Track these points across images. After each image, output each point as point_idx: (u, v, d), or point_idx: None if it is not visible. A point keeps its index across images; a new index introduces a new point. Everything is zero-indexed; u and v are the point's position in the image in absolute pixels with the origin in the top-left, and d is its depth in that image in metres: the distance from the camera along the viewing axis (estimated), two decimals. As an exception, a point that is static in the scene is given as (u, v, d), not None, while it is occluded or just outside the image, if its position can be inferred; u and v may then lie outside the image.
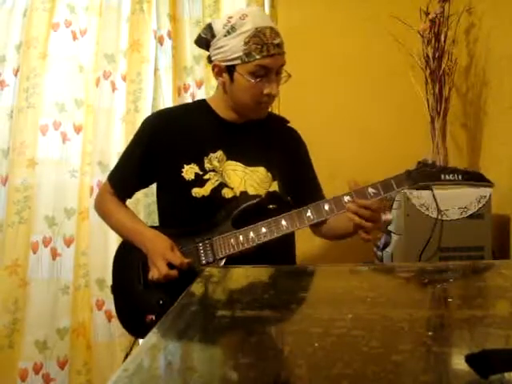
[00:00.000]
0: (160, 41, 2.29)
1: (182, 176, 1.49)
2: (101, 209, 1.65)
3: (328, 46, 2.29)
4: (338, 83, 2.28)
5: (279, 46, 1.44)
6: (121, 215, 1.57)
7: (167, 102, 2.27)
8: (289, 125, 1.66)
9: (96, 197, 1.72)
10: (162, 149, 1.53)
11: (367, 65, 2.24)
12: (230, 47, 1.43)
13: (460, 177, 1.36)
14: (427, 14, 1.99)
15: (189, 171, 1.49)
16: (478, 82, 2.06)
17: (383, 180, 1.38)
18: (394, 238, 1.79)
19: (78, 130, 2.28)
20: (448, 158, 1.99)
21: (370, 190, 1.37)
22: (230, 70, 1.46)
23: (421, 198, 1.73)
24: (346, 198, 1.37)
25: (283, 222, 1.40)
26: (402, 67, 2.02)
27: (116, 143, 2.24)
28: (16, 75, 2.23)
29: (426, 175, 1.37)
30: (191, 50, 2.31)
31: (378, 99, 2.25)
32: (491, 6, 1.97)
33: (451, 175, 1.36)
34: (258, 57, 1.41)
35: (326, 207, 1.39)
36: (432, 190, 1.71)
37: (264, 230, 1.40)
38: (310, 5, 2.30)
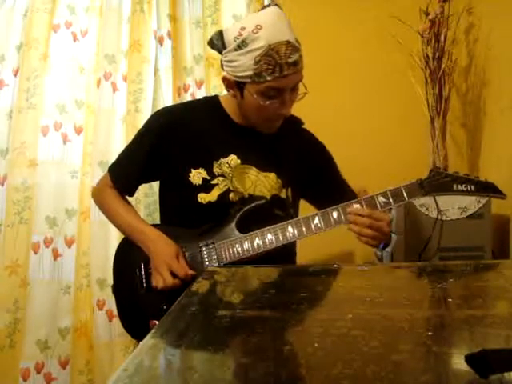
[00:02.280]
0: (160, 41, 2.30)
1: (189, 180, 1.45)
2: (100, 202, 1.60)
3: (328, 46, 2.29)
4: (338, 83, 2.28)
5: (295, 63, 1.33)
6: (122, 211, 1.53)
7: (167, 102, 2.27)
8: (303, 127, 1.61)
9: (95, 188, 1.67)
10: (168, 150, 1.48)
11: (367, 65, 2.24)
12: (240, 64, 1.33)
13: (473, 187, 1.34)
14: (427, 14, 1.99)
15: (196, 176, 1.45)
16: (478, 82, 2.06)
17: (393, 188, 1.35)
18: (394, 238, 1.79)
19: (78, 130, 2.28)
20: (448, 158, 1.99)
21: (381, 198, 1.34)
22: (240, 85, 1.38)
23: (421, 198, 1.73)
24: (356, 207, 1.34)
25: (290, 229, 1.37)
26: (401, 67, 2.02)
27: (116, 144, 2.24)
28: (16, 75, 2.23)
29: (439, 185, 1.35)
30: (191, 50, 2.32)
31: (377, 99, 2.25)
32: (491, 6, 1.97)
33: (464, 185, 1.34)
34: (268, 78, 1.31)
35: (335, 215, 1.36)
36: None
37: (270, 236, 1.38)
38: (310, 5, 2.30)
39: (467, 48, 2.13)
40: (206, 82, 2.28)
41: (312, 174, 1.57)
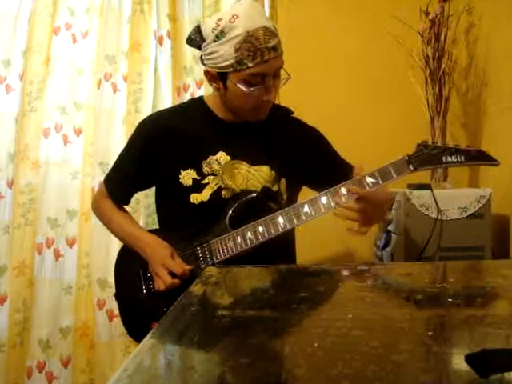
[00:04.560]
0: (160, 41, 2.30)
1: (180, 182, 1.46)
2: (99, 211, 1.64)
3: (328, 46, 2.29)
4: (338, 83, 2.28)
5: (275, 48, 1.33)
6: (119, 220, 1.56)
7: (167, 102, 2.27)
8: (293, 116, 1.58)
9: (93, 199, 1.72)
10: (157, 155, 1.49)
11: (367, 65, 2.24)
12: (221, 54, 1.33)
13: (463, 158, 1.28)
14: (427, 14, 1.99)
15: (186, 177, 1.45)
16: (478, 82, 2.06)
17: (381, 168, 1.32)
18: (394, 238, 1.79)
19: (79, 131, 2.29)
20: (448, 158, 1.99)
21: (368, 179, 1.31)
22: (223, 77, 1.37)
23: (421, 197, 1.73)
24: (344, 189, 1.32)
25: (280, 220, 1.36)
26: (402, 67, 2.02)
27: (117, 144, 2.24)
28: (21, 80, 2.25)
29: (427, 159, 1.30)
30: (191, 50, 2.31)
31: (377, 99, 2.25)
32: (491, 6, 1.97)
33: (453, 156, 1.29)
34: (250, 64, 1.31)
35: (324, 201, 1.34)
36: (432, 190, 1.71)
37: (261, 228, 1.37)
38: (310, 5, 2.30)
39: (467, 48, 2.13)
40: (206, 81, 2.28)
41: (309, 159, 1.54)
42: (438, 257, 1.70)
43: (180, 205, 1.48)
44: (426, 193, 1.72)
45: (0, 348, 2.20)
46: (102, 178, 2.16)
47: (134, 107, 2.25)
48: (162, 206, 1.59)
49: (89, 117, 2.28)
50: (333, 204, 1.33)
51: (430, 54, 1.98)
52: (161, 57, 2.30)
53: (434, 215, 1.70)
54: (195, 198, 1.46)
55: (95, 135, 2.25)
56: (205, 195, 1.45)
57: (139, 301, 1.47)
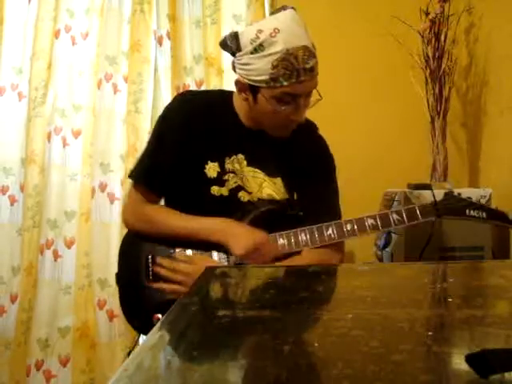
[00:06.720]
0: (159, 41, 2.30)
1: (205, 173, 1.44)
2: (143, 221, 1.47)
3: (328, 46, 2.28)
4: (338, 83, 2.28)
5: (312, 69, 1.31)
6: (175, 219, 1.44)
7: (167, 102, 2.26)
8: (318, 132, 1.56)
9: (125, 210, 1.56)
10: (190, 139, 1.44)
11: (367, 65, 2.24)
12: (256, 67, 1.30)
13: (484, 214, 1.38)
14: (427, 13, 1.99)
15: (212, 169, 1.44)
16: (478, 82, 2.06)
17: (408, 207, 1.38)
18: (394, 237, 1.79)
19: (79, 132, 2.30)
20: (448, 158, 1.99)
21: (395, 216, 1.37)
22: (254, 89, 1.35)
23: (421, 197, 1.73)
24: (370, 222, 1.36)
25: (303, 237, 1.38)
26: (402, 67, 2.02)
27: (117, 144, 2.25)
28: (29, 86, 2.27)
29: (453, 209, 1.39)
30: (191, 50, 2.32)
31: (378, 99, 2.25)
32: (491, 6, 1.97)
33: (476, 211, 1.38)
34: (285, 83, 1.29)
35: (349, 227, 1.37)
36: (432, 190, 1.70)
37: (282, 241, 1.38)
38: (309, 5, 2.30)
39: (467, 48, 2.13)
40: (206, 81, 2.29)
41: (311, 183, 1.51)
42: (437, 257, 1.70)
43: (199, 196, 1.45)
44: (426, 193, 1.71)
45: (7, 346, 2.24)
46: (102, 178, 2.18)
47: (134, 107, 2.25)
48: (177, 198, 1.51)
49: (89, 117, 2.29)
50: (357, 233, 1.38)
51: (430, 54, 1.98)
52: (160, 57, 2.31)
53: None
54: (216, 190, 1.44)
55: (95, 136, 2.26)
56: (225, 190, 1.45)
57: (143, 289, 1.43)
